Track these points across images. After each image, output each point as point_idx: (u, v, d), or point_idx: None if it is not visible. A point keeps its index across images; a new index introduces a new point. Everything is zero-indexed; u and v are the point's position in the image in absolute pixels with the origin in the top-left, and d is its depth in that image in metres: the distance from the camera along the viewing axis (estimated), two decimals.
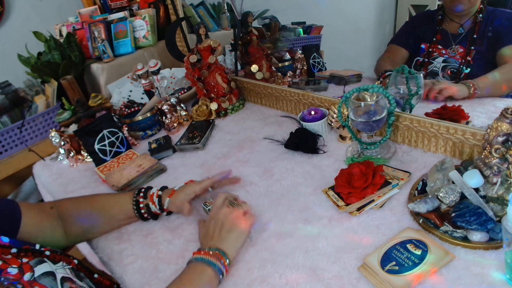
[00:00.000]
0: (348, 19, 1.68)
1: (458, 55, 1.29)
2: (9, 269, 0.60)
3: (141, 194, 0.92)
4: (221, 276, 0.71)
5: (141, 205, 0.91)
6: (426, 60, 1.34)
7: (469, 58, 1.26)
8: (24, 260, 0.64)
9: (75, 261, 0.75)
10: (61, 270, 0.68)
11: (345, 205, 0.82)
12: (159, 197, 0.91)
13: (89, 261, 1.24)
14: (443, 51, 1.31)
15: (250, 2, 1.54)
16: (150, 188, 0.94)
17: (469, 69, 1.27)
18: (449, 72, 1.30)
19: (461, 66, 1.27)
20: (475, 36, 1.26)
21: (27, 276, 0.61)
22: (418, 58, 1.37)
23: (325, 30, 1.72)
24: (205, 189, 0.93)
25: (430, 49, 1.34)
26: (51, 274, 0.65)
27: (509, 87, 1.17)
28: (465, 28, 1.28)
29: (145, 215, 0.92)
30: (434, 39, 1.34)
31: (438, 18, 1.34)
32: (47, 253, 0.70)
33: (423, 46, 1.37)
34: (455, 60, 1.28)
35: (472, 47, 1.25)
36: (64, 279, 0.66)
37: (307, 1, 1.74)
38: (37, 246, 0.70)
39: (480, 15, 1.25)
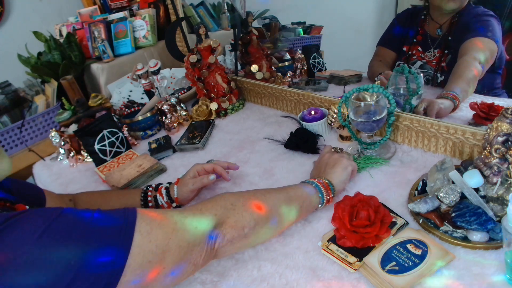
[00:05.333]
0: (348, 19, 1.68)
1: (434, 60, 1.26)
2: None
3: (150, 189, 0.96)
4: (321, 205, 0.81)
5: (149, 198, 0.94)
6: (406, 64, 1.33)
7: (443, 64, 1.24)
8: None
9: None
10: None
11: (358, 261, 0.68)
12: (167, 189, 0.95)
13: None
14: (422, 55, 1.29)
15: (250, 2, 1.54)
16: (161, 183, 0.98)
17: (443, 76, 1.25)
18: (424, 79, 1.27)
19: (436, 74, 1.25)
20: (449, 38, 1.22)
21: None
22: (399, 62, 1.36)
23: (325, 30, 1.72)
24: (207, 170, 0.96)
25: (410, 52, 1.32)
26: None
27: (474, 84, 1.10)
28: (443, 29, 1.26)
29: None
30: (415, 40, 1.31)
31: (420, 18, 1.32)
32: None
33: (404, 48, 1.35)
34: (430, 67, 1.27)
35: (446, 51, 1.22)
36: None
37: (307, 1, 1.74)
38: None
39: (458, 15, 1.22)
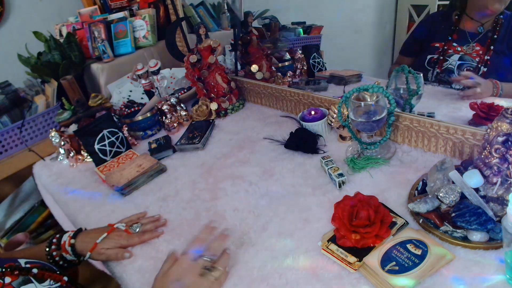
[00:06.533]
0: (348, 19, 1.68)
1: (474, 53, 1.29)
2: None
3: (53, 247, 0.84)
4: None
5: (57, 258, 0.84)
6: (441, 57, 1.35)
7: (487, 57, 1.26)
8: (7, 280, 0.60)
9: (65, 279, 0.71)
10: None
11: (358, 261, 0.68)
12: (72, 245, 0.84)
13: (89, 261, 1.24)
14: (458, 49, 1.32)
15: (250, 2, 1.54)
16: (64, 234, 0.87)
17: (486, 68, 1.28)
18: (465, 70, 1.30)
19: (479, 65, 1.27)
20: (495, 36, 1.26)
21: None
22: (432, 56, 1.37)
23: (325, 30, 1.72)
24: (133, 244, 0.86)
25: (446, 47, 1.34)
26: None
27: None
28: (485, 27, 1.29)
29: (65, 266, 0.85)
30: (450, 38, 1.34)
31: (454, 18, 1.35)
32: (34, 270, 0.65)
33: (437, 44, 1.37)
34: (471, 58, 1.29)
35: (492, 47, 1.26)
36: None
37: (307, 1, 1.74)
38: (22, 263, 0.66)
39: (501, 16, 1.26)
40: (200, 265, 0.70)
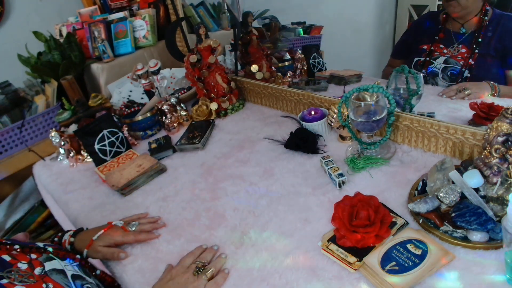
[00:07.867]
0: (348, 19, 1.67)
1: (459, 56, 1.28)
2: (18, 264, 0.61)
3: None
4: None
5: None
6: (427, 59, 1.34)
7: (472, 62, 1.26)
8: (33, 256, 0.65)
9: (78, 257, 0.75)
10: (70, 268, 0.69)
11: (358, 261, 0.68)
12: (71, 244, 0.86)
13: (89, 261, 1.24)
14: (445, 51, 1.31)
15: (250, 2, 1.54)
16: (65, 233, 0.89)
17: (470, 74, 1.26)
18: (449, 73, 1.29)
19: (463, 69, 1.26)
20: (480, 39, 1.24)
21: (37, 271, 0.62)
22: (419, 58, 1.37)
23: (325, 30, 1.72)
24: (128, 241, 0.87)
25: (432, 48, 1.34)
26: (61, 272, 0.65)
27: None
28: (467, 28, 1.27)
29: None
30: (437, 37, 1.33)
31: (442, 16, 1.34)
32: (50, 249, 0.70)
33: (425, 47, 1.37)
34: (456, 62, 1.28)
35: (476, 50, 1.25)
36: (74, 277, 0.67)
37: (307, 1, 1.73)
38: (41, 245, 0.70)
39: (486, 17, 1.24)
40: (193, 268, 0.75)
